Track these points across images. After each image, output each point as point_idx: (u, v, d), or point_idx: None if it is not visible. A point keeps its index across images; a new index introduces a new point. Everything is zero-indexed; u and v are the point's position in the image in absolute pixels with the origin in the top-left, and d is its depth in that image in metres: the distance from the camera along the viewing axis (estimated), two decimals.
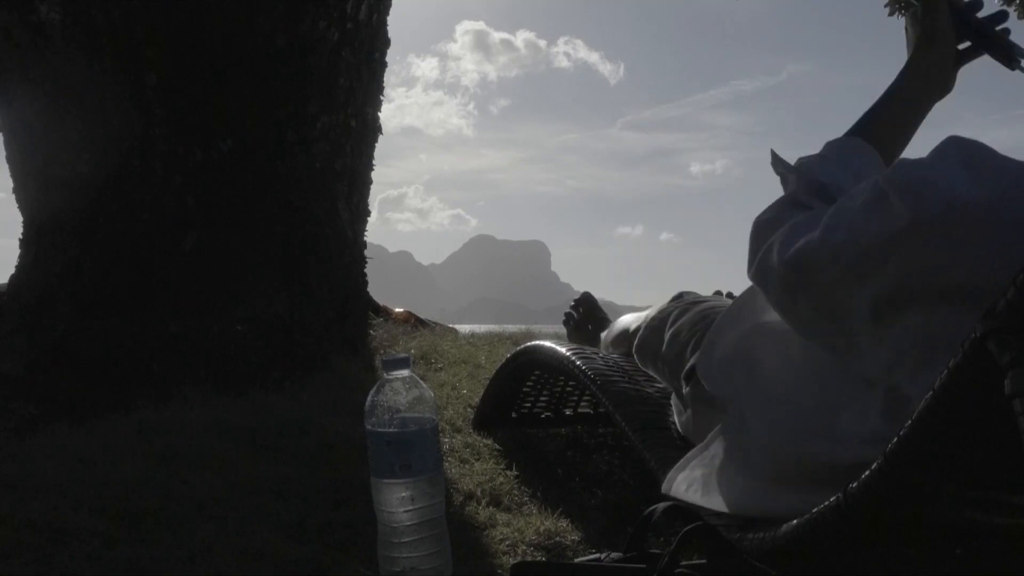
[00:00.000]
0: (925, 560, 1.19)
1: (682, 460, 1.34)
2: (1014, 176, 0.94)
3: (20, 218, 3.08)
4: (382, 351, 3.09)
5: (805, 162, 1.30)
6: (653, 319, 1.68)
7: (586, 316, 2.33)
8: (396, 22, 3.40)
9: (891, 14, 7.24)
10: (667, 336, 1.60)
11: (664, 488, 1.33)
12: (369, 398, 1.14)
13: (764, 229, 1.20)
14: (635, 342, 1.71)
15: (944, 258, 0.93)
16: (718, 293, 1.93)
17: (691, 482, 1.27)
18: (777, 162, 1.35)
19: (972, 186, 0.93)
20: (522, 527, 1.52)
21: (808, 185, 1.25)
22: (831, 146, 1.34)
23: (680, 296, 1.76)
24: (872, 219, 1.00)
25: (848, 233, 1.02)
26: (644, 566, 0.96)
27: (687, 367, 1.46)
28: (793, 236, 1.12)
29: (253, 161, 2.86)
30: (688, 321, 1.57)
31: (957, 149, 0.99)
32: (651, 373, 1.70)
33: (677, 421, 1.51)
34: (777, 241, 1.14)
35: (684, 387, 1.47)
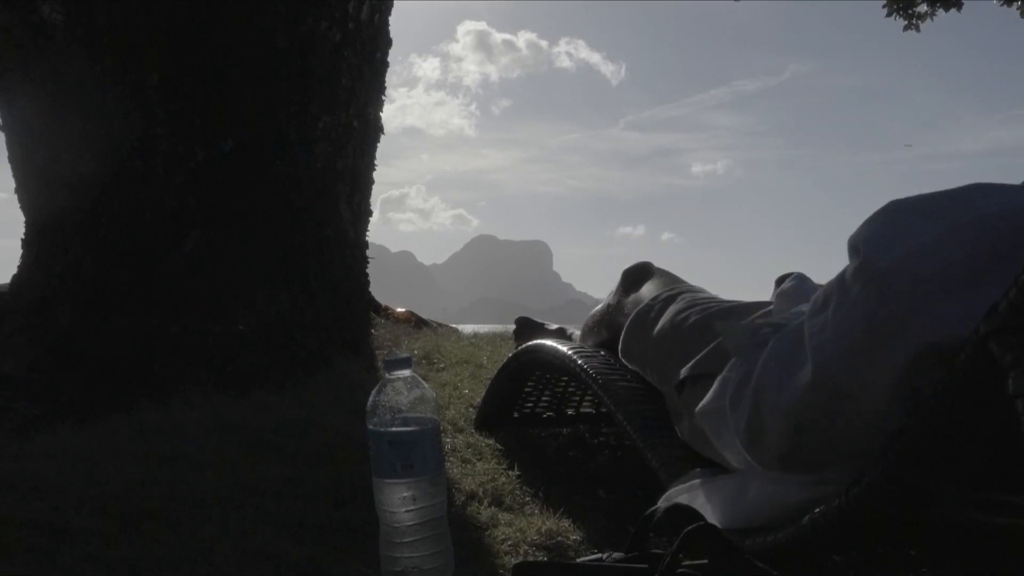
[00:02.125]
0: (925, 560, 1.19)
1: (685, 485, 1.34)
2: (959, 219, 0.98)
3: (22, 218, 3.08)
4: (384, 351, 3.09)
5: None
6: (631, 323, 1.68)
7: (534, 336, 2.32)
8: (398, 22, 3.40)
9: (889, 14, 7.25)
10: (650, 342, 1.60)
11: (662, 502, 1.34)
12: (371, 398, 1.14)
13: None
14: (619, 347, 1.71)
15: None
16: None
17: (690, 502, 1.28)
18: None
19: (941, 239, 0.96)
20: (524, 527, 1.52)
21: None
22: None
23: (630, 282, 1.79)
24: (856, 314, 1.02)
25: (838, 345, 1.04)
26: (646, 566, 0.96)
27: (678, 380, 1.47)
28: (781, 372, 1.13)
29: (254, 161, 2.86)
30: (668, 325, 1.57)
31: (906, 210, 1.02)
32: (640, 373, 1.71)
33: (676, 427, 1.51)
34: (767, 387, 1.15)
35: (677, 396, 1.47)
